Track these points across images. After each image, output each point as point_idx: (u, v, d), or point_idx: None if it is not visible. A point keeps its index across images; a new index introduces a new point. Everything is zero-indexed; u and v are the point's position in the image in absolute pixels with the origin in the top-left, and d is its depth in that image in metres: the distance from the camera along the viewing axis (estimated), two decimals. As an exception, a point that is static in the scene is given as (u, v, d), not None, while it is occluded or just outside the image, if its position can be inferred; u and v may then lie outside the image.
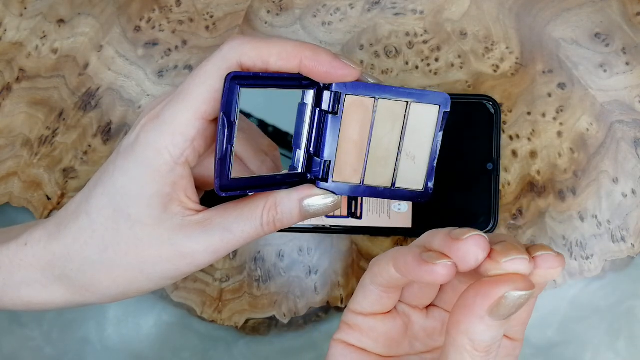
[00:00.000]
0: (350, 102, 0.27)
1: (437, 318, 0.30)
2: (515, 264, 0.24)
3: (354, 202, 0.40)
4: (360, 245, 0.41)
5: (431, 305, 0.30)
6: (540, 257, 0.25)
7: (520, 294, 0.23)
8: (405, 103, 0.28)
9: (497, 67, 0.41)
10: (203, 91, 0.26)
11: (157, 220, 0.27)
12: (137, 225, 0.27)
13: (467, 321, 0.24)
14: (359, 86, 0.27)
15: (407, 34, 0.41)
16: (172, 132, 0.26)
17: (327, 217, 0.40)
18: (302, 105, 0.27)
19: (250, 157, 0.31)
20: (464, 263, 0.24)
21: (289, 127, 0.28)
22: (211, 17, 0.42)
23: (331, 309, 0.41)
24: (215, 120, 0.27)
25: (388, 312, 0.30)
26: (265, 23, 0.41)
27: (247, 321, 0.41)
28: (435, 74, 0.41)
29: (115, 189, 0.27)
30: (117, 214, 0.27)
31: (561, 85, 0.41)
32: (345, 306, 0.41)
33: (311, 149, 0.28)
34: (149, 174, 0.26)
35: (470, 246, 0.24)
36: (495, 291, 0.23)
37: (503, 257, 0.24)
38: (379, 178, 0.28)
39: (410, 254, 0.26)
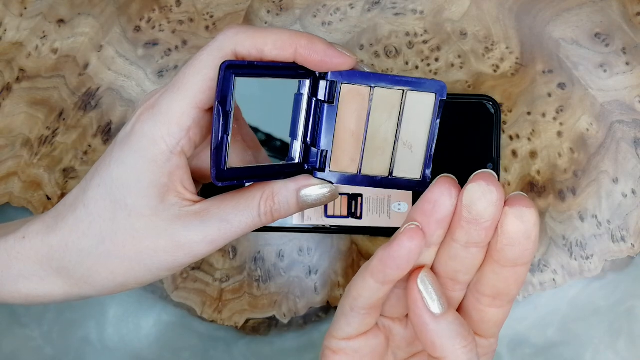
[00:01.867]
0: (346, 91, 0.27)
1: None
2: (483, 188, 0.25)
3: (353, 202, 0.40)
4: (360, 245, 0.41)
5: None
6: (511, 196, 0.25)
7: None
8: (402, 91, 0.27)
9: (497, 67, 0.41)
10: (198, 80, 0.26)
11: (154, 210, 0.27)
12: (134, 216, 0.27)
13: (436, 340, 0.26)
14: (354, 75, 0.27)
15: (407, 34, 0.41)
16: (167, 122, 0.26)
17: (327, 217, 0.40)
18: (298, 95, 0.27)
19: (237, 152, 0.30)
20: (440, 206, 0.25)
21: (285, 117, 0.28)
22: (211, 17, 0.42)
23: (331, 309, 0.41)
24: (211, 110, 0.27)
25: (370, 329, 0.30)
26: (265, 23, 0.41)
27: (247, 321, 0.41)
28: (435, 74, 0.41)
29: (112, 180, 0.27)
30: (114, 204, 0.27)
31: (561, 85, 0.41)
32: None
33: (308, 139, 0.28)
34: (145, 164, 0.26)
35: (440, 187, 0.25)
36: (413, 288, 0.26)
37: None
38: (377, 167, 0.28)
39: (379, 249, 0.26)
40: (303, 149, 0.28)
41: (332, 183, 0.28)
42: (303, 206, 0.28)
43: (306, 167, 0.28)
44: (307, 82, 0.27)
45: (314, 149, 0.28)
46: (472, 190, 0.25)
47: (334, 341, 0.29)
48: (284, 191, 0.27)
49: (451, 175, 0.26)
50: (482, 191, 0.25)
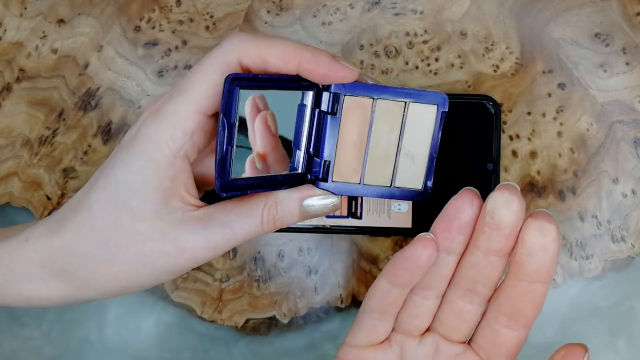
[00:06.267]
0: (349, 102, 0.27)
1: (430, 345, 0.30)
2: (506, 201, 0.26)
3: (354, 202, 0.40)
4: (360, 245, 0.41)
5: (427, 330, 0.31)
6: (535, 211, 0.27)
7: None
8: (404, 103, 0.28)
9: (497, 67, 0.41)
10: (203, 86, 0.26)
11: (158, 214, 0.27)
12: (138, 219, 0.27)
13: None
14: (357, 87, 0.27)
15: (407, 34, 0.41)
16: (171, 126, 0.26)
17: (327, 217, 0.40)
18: (301, 106, 0.28)
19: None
20: (462, 213, 0.27)
21: (288, 128, 0.28)
22: (211, 17, 0.42)
23: (331, 309, 0.41)
24: (214, 115, 0.27)
25: (382, 342, 0.30)
26: (265, 23, 0.41)
27: (247, 321, 0.41)
28: (435, 74, 0.41)
29: (117, 182, 0.27)
30: (119, 207, 0.27)
31: (561, 85, 0.41)
32: (345, 306, 0.41)
33: (311, 149, 0.28)
34: (149, 167, 0.26)
35: (464, 196, 0.27)
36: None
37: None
38: (379, 178, 0.29)
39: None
40: (306, 159, 0.28)
41: (334, 194, 0.28)
42: (305, 216, 0.28)
43: (309, 177, 0.28)
44: (311, 93, 0.27)
45: (316, 159, 0.28)
46: (495, 197, 0.26)
47: (346, 349, 0.30)
48: (287, 201, 0.28)
49: (474, 188, 0.28)
50: (505, 199, 0.26)
